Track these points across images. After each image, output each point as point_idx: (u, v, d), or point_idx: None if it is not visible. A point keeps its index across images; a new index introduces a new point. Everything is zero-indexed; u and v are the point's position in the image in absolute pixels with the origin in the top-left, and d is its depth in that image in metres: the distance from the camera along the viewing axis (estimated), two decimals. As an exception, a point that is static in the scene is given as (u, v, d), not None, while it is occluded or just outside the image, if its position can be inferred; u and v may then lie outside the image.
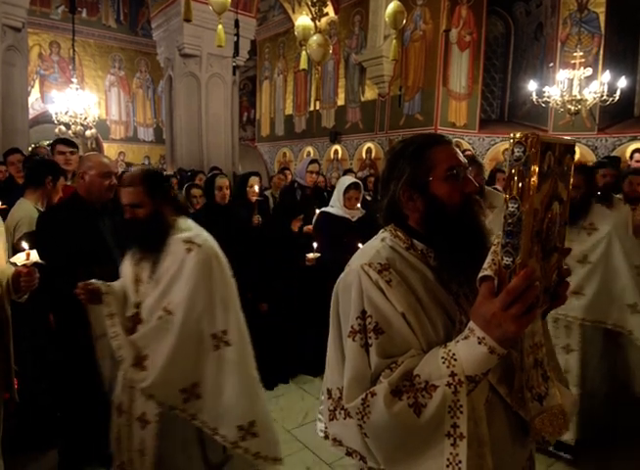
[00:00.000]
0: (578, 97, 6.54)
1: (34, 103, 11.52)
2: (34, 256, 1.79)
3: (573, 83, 6.57)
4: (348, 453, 1.08)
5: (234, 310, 1.87)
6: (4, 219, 2.33)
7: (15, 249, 2.13)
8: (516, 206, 0.80)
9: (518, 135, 0.80)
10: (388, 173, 1.14)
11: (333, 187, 5.08)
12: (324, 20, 8.07)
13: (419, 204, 1.08)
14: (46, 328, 2.45)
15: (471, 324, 0.90)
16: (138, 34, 13.43)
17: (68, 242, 2.19)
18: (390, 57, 5.53)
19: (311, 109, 10.86)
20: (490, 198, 3.00)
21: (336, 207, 3.75)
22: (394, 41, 5.02)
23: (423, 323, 1.00)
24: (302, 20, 4.97)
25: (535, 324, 1.01)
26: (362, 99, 9.82)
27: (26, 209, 2.73)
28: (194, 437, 1.86)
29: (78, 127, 9.17)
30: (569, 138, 0.91)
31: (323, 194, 5.18)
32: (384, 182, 1.15)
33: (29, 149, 6.48)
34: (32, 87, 11.60)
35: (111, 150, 13.19)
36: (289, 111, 11.98)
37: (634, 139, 7.16)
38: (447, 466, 0.89)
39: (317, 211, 3.90)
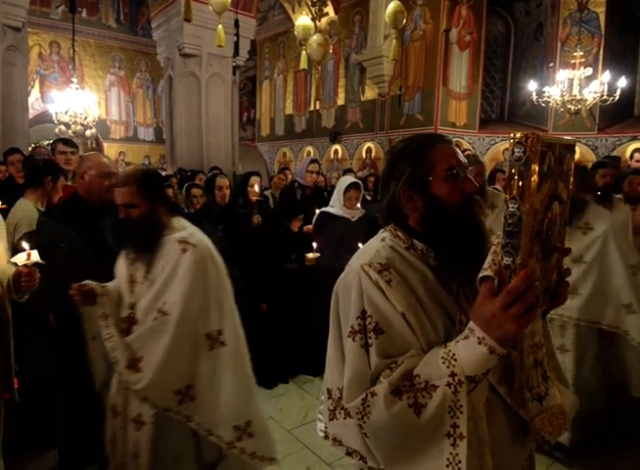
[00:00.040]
0: (578, 97, 6.54)
1: (34, 103, 11.52)
2: (35, 256, 1.78)
3: (573, 83, 6.57)
4: (348, 453, 1.08)
5: (229, 310, 1.86)
6: (4, 219, 2.32)
7: (15, 248, 2.12)
8: (516, 206, 0.80)
9: (518, 135, 0.80)
10: (388, 173, 1.14)
11: (333, 187, 5.08)
12: (324, 19, 8.07)
13: (419, 204, 1.08)
14: (46, 328, 2.44)
15: (471, 324, 0.90)
16: (138, 34, 13.42)
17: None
18: (390, 57, 5.53)
19: (311, 109, 10.86)
20: (491, 198, 2.99)
21: (336, 206, 3.75)
22: (394, 41, 5.02)
23: (423, 323, 1.00)
24: (302, 19, 4.97)
25: (535, 324, 1.02)
26: (362, 99, 9.82)
27: (26, 208, 2.73)
28: (189, 437, 1.85)
29: (78, 127, 9.17)
30: (569, 138, 0.92)
31: (323, 194, 5.17)
32: (384, 182, 1.15)
33: (29, 149, 6.47)
34: (32, 87, 11.59)
35: (111, 150, 13.18)
36: (289, 111, 11.98)
37: (634, 139, 7.16)
38: (447, 466, 0.89)
39: (317, 211, 3.90)
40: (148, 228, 1.81)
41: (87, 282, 1.86)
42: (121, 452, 1.82)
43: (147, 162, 13.73)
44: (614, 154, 7.07)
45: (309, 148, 11.31)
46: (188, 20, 4.06)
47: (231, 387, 1.79)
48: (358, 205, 3.78)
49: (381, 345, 0.98)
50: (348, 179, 3.86)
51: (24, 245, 1.79)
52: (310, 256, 3.52)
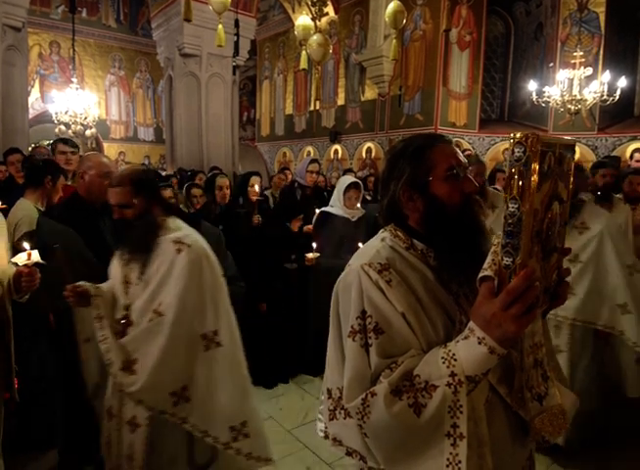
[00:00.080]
0: (578, 97, 6.54)
1: (34, 103, 11.52)
2: (35, 256, 1.78)
3: (573, 83, 6.57)
4: (348, 453, 1.08)
5: (225, 311, 1.85)
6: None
7: (15, 248, 2.12)
8: (516, 206, 0.80)
9: (518, 135, 0.80)
10: (388, 173, 1.14)
11: (333, 187, 5.08)
12: (324, 19, 8.07)
13: (419, 204, 1.09)
14: (46, 328, 2.44)
15: (471, 324, 0.90)
16: (138, 34, 13.43)
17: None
18: (390, 57, 5.54)
19: (311, 108, 10.86)
20: (492, 198, 2.99)
21: (336, 206, 3.75)
22: (394, 41, 5.02)
23: (423, 323, 1.00)
24: (302, 19, 4.97)
25: (535, 324, 1.02)
26: (362, 99, 9.82)
27: (26, 208, 2.73)
28: (183, 439, 1.84)
29: (78, 127, 9.18)
30: (569, 138, 0.92)
31: (323, 194, 5.17)
32: (384, 182, 1.15)
33: (29, 149, 6.48)
34: (32, 87, 11.60)
35: (111, 150, 13.19)
36: (289, 110, 11.98)
37: (634, 139, 7.16)
38: (447, 466, 0.89)
39: (317, 211, 3.90)
40: (142, 229, 1.79)
41: (81, 283, 1.84)
42: (116, 454, 1.81)
43: (147, 162, 13.73)
44: (614, 154, 7.07)
45: (309, 148, 11.31)
46: (188, 20, 4.06)
47: (227, 387, 1.78)
48: (358, 205, 3.78)
49: (381, 345, 0.98)
50: (348, 179, 3.86)
51: (25, 245, 1.79)
52: (310, 256, 3.52)
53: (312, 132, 11.18)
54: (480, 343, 0.87)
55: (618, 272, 2.52)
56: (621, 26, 7.51)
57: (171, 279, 1.74)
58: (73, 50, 8.37)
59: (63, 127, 8.89)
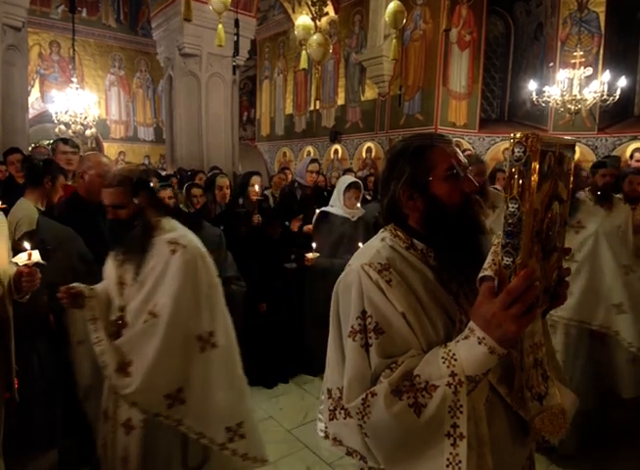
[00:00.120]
0: (578, 97, 6.54)
1: (34, 102, 11.51)
2: (36, 256, 1.78)
3: (573, 83, 6.57)
4: (348, 453, 1.08)
5: (220, 311, 1.85)
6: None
7: (15, 248, 2.12)
8: (516, 206, 0.80)
9: (518, 135, 0.80)
10: (388, 173, 1.14)
11: (333, 187, 5.07)
12: (324, 19, 8.07)
13: (419, 203, 1.09)
14: (46, 328, 2.44)
15: (471, 324, 0.90)
16: (138, 34, 13.42)
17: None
18: (390, 56, 5.54)
19: (311, 108, 10.85)
20: (493, 198, 2.99)
21: (336, 206, 3.75)
22: (394, 41, 5.02)
23: (423, 323, 1.00)
24: (303, 19, 4.97)
25: (535, 324, 1.01)
26: (362, 98, 9.81)
27: (27, 208, 2.72)
28: (177, 441, 1.83)
29: (78, 127, 9.18)
30: (569, 138, 0.92)
31: (323, 193, 5.17)
32: (384, 182, 1.15)
33: (29, 149, 6.48)
34: (32, 87, 11.59)
35: (111, 149, 13.18)
36: (289, 110, 11.97)
37: (634, 139, 7.15)
38: (447, 466, 0.89)
39: (317, 211, 3.90)
40: (136, 229, 1.78)
41: (75, 284, 1.83)
42: (112, 457, 1.80)
43: (147, 161, 13.73)
44: (614, 154, 7.07)
45: (309, 148, 11.31)
46: (188, 19, 4.07)
47: (223, 388, 1.77)
48: (358, 204, 3.78)
49: (381, 345, 0.98)
50: (348, 179, 3.86)
51: (25, 245, 1.79)
52: (310, 255, 3.53)
53: (312, 132, 11.17)
54: (480, 343, 0.87)
55: (614, 272, 2.52)
56: (621, 26, 7.51)
57: (166, 280, 1.73)
58: (73, 50, 8.38)
59: (63, 127, 8.89)
